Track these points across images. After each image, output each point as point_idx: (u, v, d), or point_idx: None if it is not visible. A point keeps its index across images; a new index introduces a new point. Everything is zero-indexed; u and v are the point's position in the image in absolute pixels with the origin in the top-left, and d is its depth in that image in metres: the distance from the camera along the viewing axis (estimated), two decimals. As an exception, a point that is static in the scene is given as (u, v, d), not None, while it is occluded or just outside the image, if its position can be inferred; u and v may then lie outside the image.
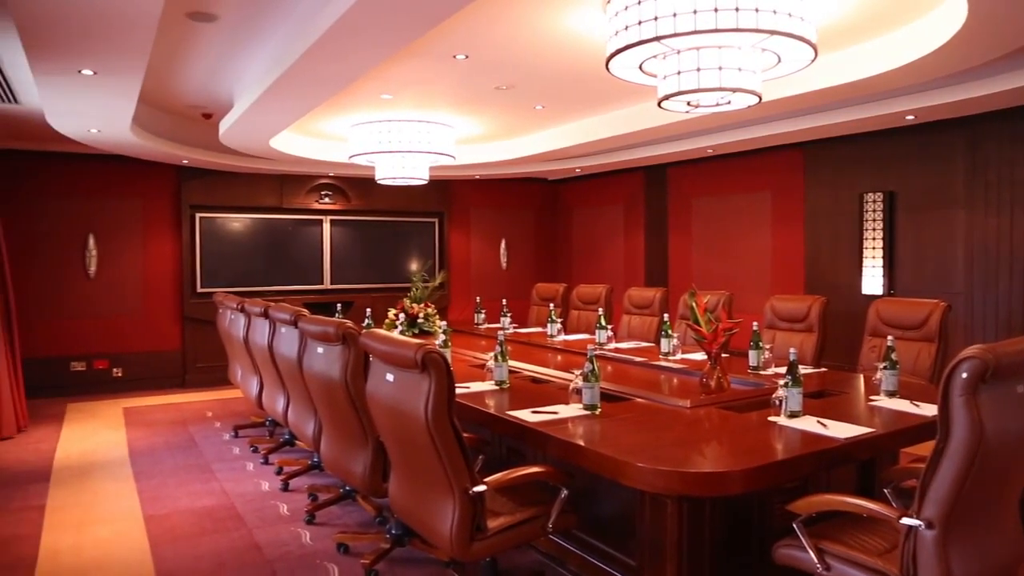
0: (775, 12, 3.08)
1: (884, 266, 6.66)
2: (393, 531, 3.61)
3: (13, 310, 6.66)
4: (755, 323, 4.29)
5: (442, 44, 4.48)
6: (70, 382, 7.97)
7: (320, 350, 3.56)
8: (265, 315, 4.67)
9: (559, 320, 5.95)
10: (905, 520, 2.09)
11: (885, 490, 2.75)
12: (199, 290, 8.52)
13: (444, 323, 5.25)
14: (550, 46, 4.57)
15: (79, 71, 4.24)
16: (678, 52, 3.37)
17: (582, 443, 2.68)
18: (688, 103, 3.69)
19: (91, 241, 8.05)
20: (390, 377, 2.73)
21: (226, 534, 3.97)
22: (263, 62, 4.94)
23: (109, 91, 4.74)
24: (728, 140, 7.20)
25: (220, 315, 6.28)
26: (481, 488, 2.56)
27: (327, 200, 9.29)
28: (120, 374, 8.23)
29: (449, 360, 2.60)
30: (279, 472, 4.97)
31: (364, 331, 3.09)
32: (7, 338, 6.49)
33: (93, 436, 6.18)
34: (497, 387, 3.70)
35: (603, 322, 5.29)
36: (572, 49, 4.62)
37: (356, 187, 9.41)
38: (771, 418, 2.95)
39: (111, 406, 7.44)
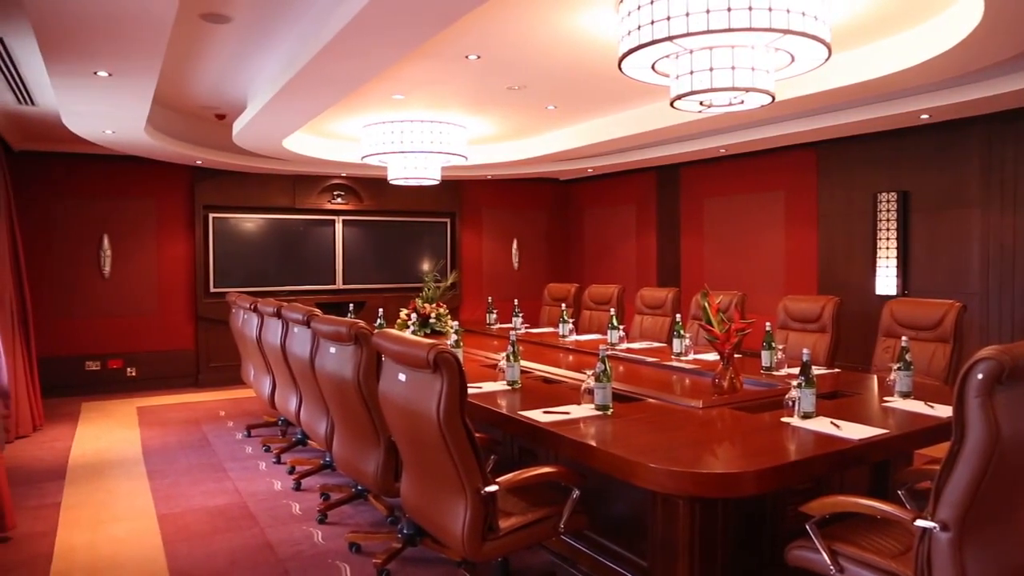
0: (788, 11, 3.06)
1: (898, 266, 6.61)
2: (405, 531, 3.61)
3: (29, 310, 6.72)
4: (768, 323, 4.27)
5: (454, 44, 4.49)
6: (85, 381, 8.04)
7: (332, 350, 3.57)
8: (278, 315, 4.69)
9: (571, 320, 5.95)
10: (920, 522, 2.07)
11: (899, 492, 2.74)
12: (212, 290, 8.57)
13: (456, 323, 5.25)
14: (562, 46, 4.57)
15: (94, 73, 4.28)
16: (691, 52, 3.36)
17: (594, 443, 2.68)
18: (701, 103, 3.67)
19: (106, 241, 8.11)
20: (402, 377, 2.74)
21: (239, 533, 3.99)
22: (276, 63, 4.97)
23: (124, 92, 4.77)
24: (741, 140, 7.17)
25: (233, 315, 6.31)
26: (493, 488, 2.56)
27: (339, 200, 9.32)
28: (134, 373, 8.29)
29: (461, 360, 2.60)
30: (291, 471, 4.99)
31: (376, 331, 3.10)
32: (23, 337, 6.55)
33: (107, 435, 6.23)
34: (509, 387, 3.70)
35: (615, 322, 5.28)
36: (584, 49, 4.61)
37: (368, 187, 9.43)
38: (784, 419, 2.94)
39: (125, 405, 7.50)
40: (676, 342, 4.65)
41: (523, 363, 4.03)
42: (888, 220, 6.67)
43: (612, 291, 6.67)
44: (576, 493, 2.76)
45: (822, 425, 2.83)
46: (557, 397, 3.45)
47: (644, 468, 2.40)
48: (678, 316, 4.98)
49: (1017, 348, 1.97)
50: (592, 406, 3.13)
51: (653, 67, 3.65)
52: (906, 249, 6.61)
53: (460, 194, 10.08)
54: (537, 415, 3.06)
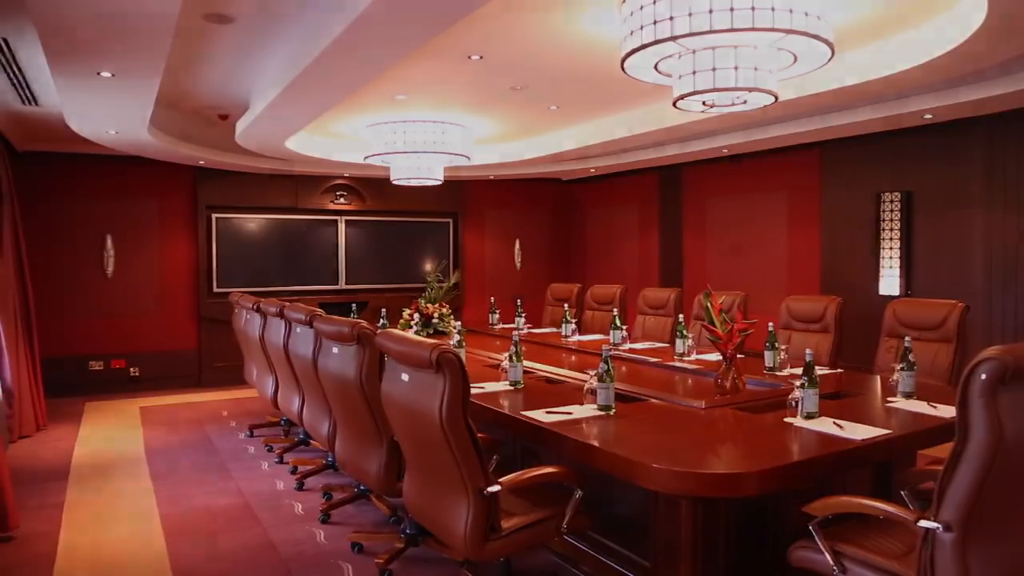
0: (791, 11, 3.06)
1: (901, 266, 6.60)
2: (407, 531, 3.61)
3: (32, 310, 6.73)
4: (771, 324, 4.26)
5: (457, 45, 4.49)
6: (88, 381, 8.06)
7: (335, 350, 3.57)
8: (280, 315, 4.69)
9: (573, 320, 5.95)
10: (923, 523, 2.07)
11: (902, 492, 2.73)
12: (215, 290, 8.58)
13: (458, 323, 5.26)
14: (565, 46, 4.57)
15: (98, 73, 4.29)
16: (693, 52, 3.36)
17: (596, 444, 2.68)
18: (704, 103, 3.67)
19: (109, 241, 8.13)
20: (405, 377, 2.74)
21: (241, 533, 3.99)
22: (279, 63, 4.97)
23: (127, 93, 4.78)
24: (744, 140, 7.16)
25: (236, 315, 6.32)
26: (495, 488, 2.56)
27: (342, 200, 9.33)
28: (137, 373, 8.30)
29: (463, 360, 2.60)
30: (294, 471, 5.00)
31: (379, 331, 3.10)
32: (26, 337, 6.56)
33: (110, 435, 6.24)
34: (511, 387, 3.70)
35: (618, 322, 5.28)
36: (587, 49, 4.61)
37: (371, 187, 9.44)
38: (787, 419, 2.93)
39: (128, 405, 7.51)
40: (679, 342, 4.65)
41: (526, 363, 4.02)
42: (891, 220, 6.65)
43: (615, 291, 6.67)
44: (579, 493, 2.76)
45: (825, 425, 2.82)
46: (560, 397, 3.45)
47: (647, 468, 2.40)
48: (681, 316, 4.98)
49: (1020, 348, 1.96)
50: (595, 406, 3.12)
51: (656, 67, 3.65)
52: (909, 249, 6.60)
53: (463, 194, 10.08)
54: (540, 415, 3.06)
